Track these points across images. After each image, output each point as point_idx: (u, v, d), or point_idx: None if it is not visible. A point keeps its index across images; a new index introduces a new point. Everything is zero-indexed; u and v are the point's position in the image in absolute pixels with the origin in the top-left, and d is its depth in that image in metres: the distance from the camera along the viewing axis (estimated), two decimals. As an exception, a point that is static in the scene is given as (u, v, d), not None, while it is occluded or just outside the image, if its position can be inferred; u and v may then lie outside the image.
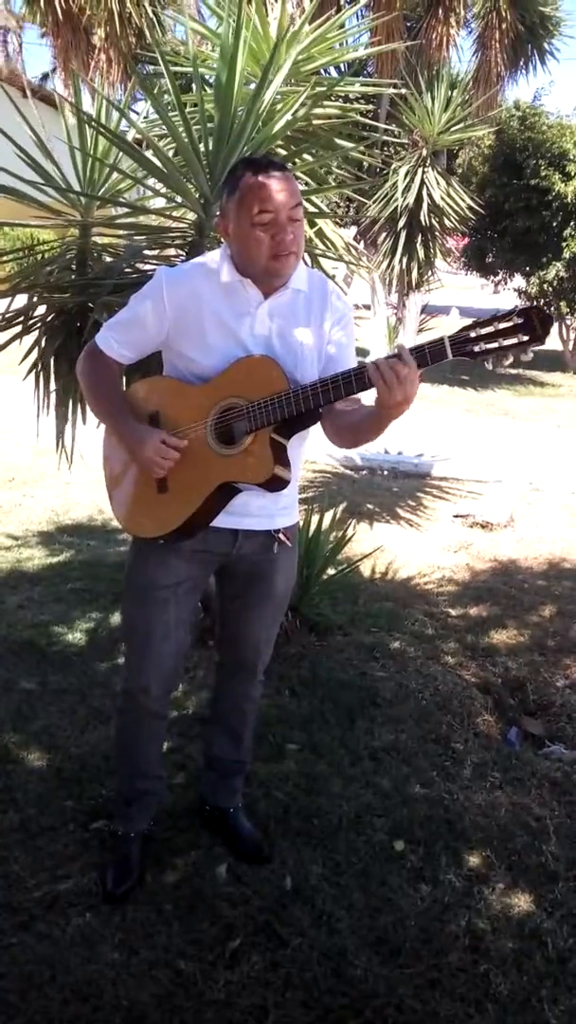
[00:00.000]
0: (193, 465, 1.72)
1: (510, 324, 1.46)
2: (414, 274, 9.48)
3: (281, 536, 1.86)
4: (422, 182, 8.68)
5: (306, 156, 2.92)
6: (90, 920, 1.91)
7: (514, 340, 1.45)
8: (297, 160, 2.86)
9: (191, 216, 2.71)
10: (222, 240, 1.75)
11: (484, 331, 1.46)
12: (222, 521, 1.77)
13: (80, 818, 2.23)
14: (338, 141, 2.93)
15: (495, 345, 1.46)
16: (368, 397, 1.64)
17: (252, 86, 2.69)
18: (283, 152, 2.80)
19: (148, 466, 1.72)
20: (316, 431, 1.79)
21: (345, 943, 1.89)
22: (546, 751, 2.72)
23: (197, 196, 2.37)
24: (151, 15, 7.23)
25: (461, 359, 1.50)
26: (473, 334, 1.48)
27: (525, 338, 1.45)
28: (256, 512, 1.80)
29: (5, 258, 3.22)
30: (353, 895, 2.03)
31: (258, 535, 1.83)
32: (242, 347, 1.71)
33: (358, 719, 2.77)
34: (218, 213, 1.78)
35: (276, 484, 1.69)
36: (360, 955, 1.86)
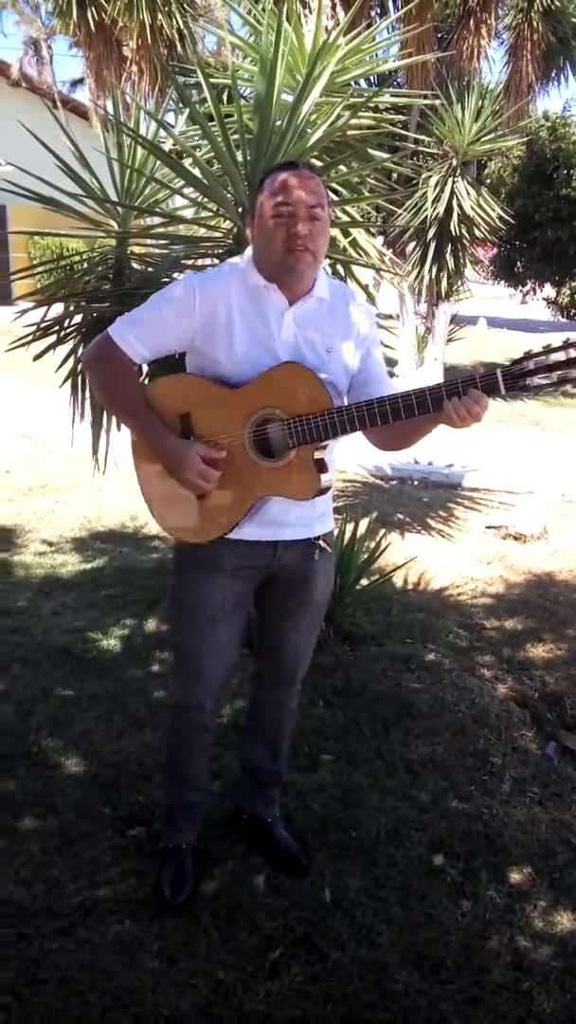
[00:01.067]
0: (233, 474, 1.71)
1: (564, 357, 1.43)
2: (443, 284, 9.49)
3: (321, 543, 1.85)
4: (452, 192, 8.70)
5: (341, 167, 2.94)
6: (129, 927, 1.91)
7: (569, 372, 1.43)
8: (332, 172, 2.88)
9: (226, 225, 2.73)
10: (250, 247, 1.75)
11: (537, 363, 1.44)
12: (262, 534, 1.77)
13: (118, 824, 2.23)
14: (372, 152, 2.93)
15: (548, 381, 1.44)
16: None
17: (287, 97, 2.72)
18: (318, 163, 2.81)
19: (191, 487, 1.71)
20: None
21: (386, 957, 1.87)
22: (585, 766, 2.68)
23: (235, 205, 2.38)
24: (182, 26, 7.33)
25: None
26: (528, 367, 1.46)
27: None
28: (294, 522, 1.80)
29: (39, 268, 3.26)
30: (393, 909, 2.01)
31: (298, 544, 1.83)
32: (270, 352, 1.70)
33: (393, 730, 2.75)
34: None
35: (320, 495, 1.69)
36: (401, 970, 1.84)
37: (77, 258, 3.16)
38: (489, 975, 1.85)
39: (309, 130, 2.52)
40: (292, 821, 2.27)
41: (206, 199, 2.40)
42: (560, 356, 1.43)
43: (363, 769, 2.53)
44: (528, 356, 1.46)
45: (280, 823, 2.20)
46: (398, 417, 1.59)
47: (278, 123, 2.38)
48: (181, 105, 2.97)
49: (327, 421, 1.61)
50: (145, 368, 2.50)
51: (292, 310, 1.71)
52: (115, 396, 1.79)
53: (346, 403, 1.70)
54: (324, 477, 1.67)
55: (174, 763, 2.05)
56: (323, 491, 1.68)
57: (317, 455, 1.67)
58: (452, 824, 2.31)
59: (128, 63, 7.69)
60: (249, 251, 1.74)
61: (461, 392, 1.54)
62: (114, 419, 2.98)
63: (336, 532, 2.38)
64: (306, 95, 2.29)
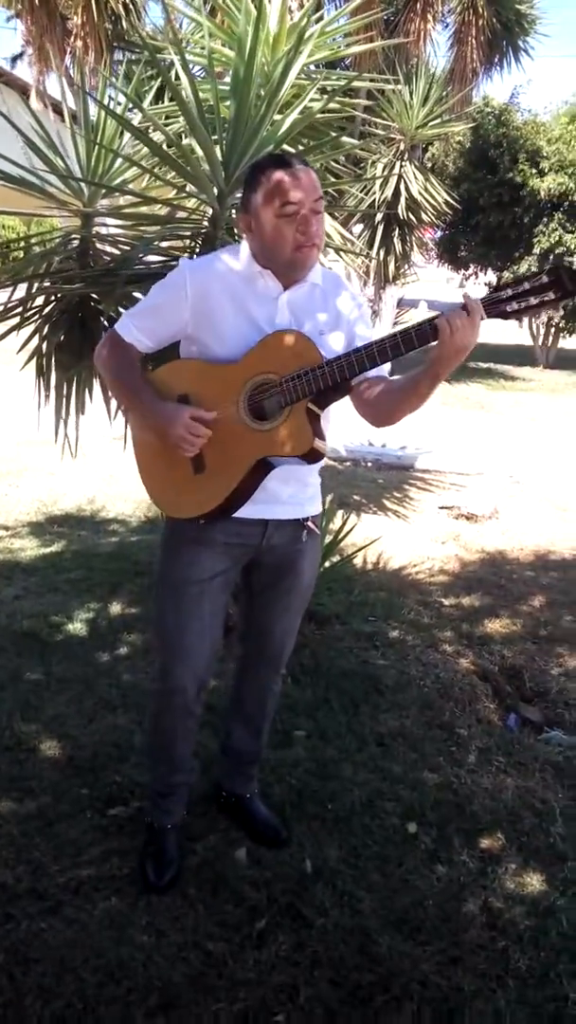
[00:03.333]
0: (229, 443, 1.72)
1: (539, 283, 1.50)
2: (391, 267, 9.57)
3: (310, 524, 1.89)
4: (400, 176, 8.76)
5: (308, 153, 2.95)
6: (116, 904, 1.93)
7: (544, 297, 1.50)
8: (307, 158, 2.89)
9: (191, 204, 2.71)
10: (241, 235, 1.76)
11: (515, 291, 1.51)
12: (253, 512, 1.78)
13: (97, 805, 2.24)
14: (345, 139, 2.95)
15: (526, 304, 1.51)
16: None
17: (258, 79, 2.71)
18: (290, 148, 2.82)
19: (179, 443, 1.71)
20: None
21: (368, 922, 1.93)
22: (546, 736, 2.80)
23: (212, 186, 2.38)
24: (127, 1, 7.17)
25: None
26: (504, 294, 1.52)
27: (556, 295, 1.49)
28: (287, 500, 1.82)
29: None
30: (372, 876, 2.07)
31: (288, 524, 1.86)
32: (262, 335, 1.71)
33: (362, 706, 2.82)
34: (235, 209, 1.79)
35: (314, 456, 1.69)
36: (383, 934, 1.91)
37: (37, 239, 3.10)
38: (466, 935, 1.93)
39: (278, 116, 2.52)
40: (269, 796, 2.31)
41: (181, 179, 2.38)
42: (536, 282, 1.51)
43: (335, 744, 2.59)
44: (504, 284, 1.54)
45: (258, 798, 2.25)
46: (385, 358, 1.60)
47: (257, 103, 2.36)
48: (155, 82, 2.92)
49: (314, 372, 1.63)
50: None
51: (286, 295, 1.73)
52: (116, 380, 1.81)
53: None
54: (319, 441, 1.69)
55: (158, 747, 2.06)
56: (317, 451, 1.68)
57: (310, 407, 1.67)
58: (423, 793, 2.39)
59: (72, 37, 7.48)
60: (245, 243, 1.74)
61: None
62: (75, 403, 2.98)
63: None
64: (285, 74, 2.29)
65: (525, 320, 14.58)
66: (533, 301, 1.52)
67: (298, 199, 1.62)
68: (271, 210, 1.64)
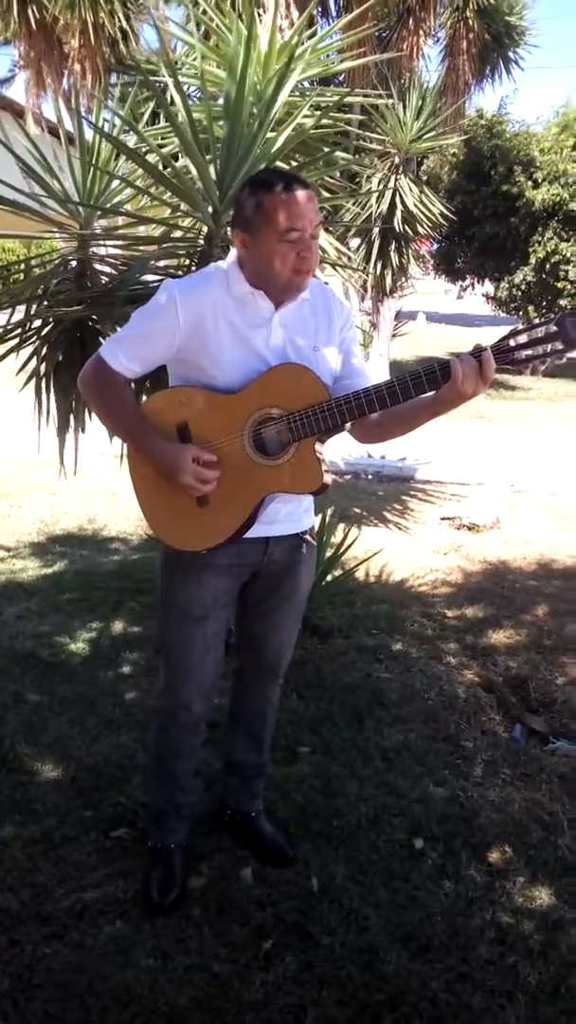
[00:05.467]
0: (234, 477, 1.71)
1: (548, 331, 1.51)
2: (388, 280, 9.61)
3: (307, 537, 1.89)
4: (395, 189, 8.81)
5: (303, 169, 2.97)
6: (121, 928, 1.91)
7: (554, 345, 1.51)
8: (302, 174, 2.91)
9: (186, 223, 2.72)
10: (233, 250, 1.75)
11: (523, 339, 1.51)
12: (253, 532, 1.77)
13: (100, 826, 2.23)
14: (339, 155, 2.97)
15: (535, 352, 1.52)
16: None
17: (250, 99, 2.73)
18: (283, 165, 2.84)
19: (188, 491, 1.70)
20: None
21: (375, 940, 1.91)
22: (551, 747, 2.78)
23: (207, 206, 2.39)
24: (124, 24, 7.26)
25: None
26: (513, 343, 1.53)
27: (563, 345, 1.50)
28: (284, 518, 1.82)
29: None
30: (378, 893, 2.06)
31: (286, 539, 1.86)
32: (259, 358, 1.71)
33: (367, 720, 2.80)
34: (230, 225, 1.78)
35: (324, 490, 1.71)
36: (391, 951, 1.89)
37: (36, 261, 3.12)
38: (475, 952, 1.91)
39: (272, 133, 2.54)
40: (274, 813, 2.30)
41: (176, 198, 2.39)
42: (543, 331, 1.52)
43: (340, 759, 2.58)
44: (514, 332, 1.56)
45: (264, 816, 2.23)
46: (395, 400, 1.62)
47: (251, 121, 2.38)
48: (150, 104, 2.95)
49: (325, 411, 1.64)
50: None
51: (278, 314, 1.72)
52: (109, 412, 1.79)
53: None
54: (327, 475, 1.71)
55: (162, 765, 2.05)
56: (327, 484, 1.70)
57: (318, 448, 1.69)
58: (429, 808, 2.37)
59: (70, 61, 7.56)
60: (232, 257, 1.73)
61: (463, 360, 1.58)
62: (74, 423, 2.99)
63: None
64: (277, 93, 2.30)
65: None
66: (541, 350, 1.54)
67: (302, 225, 1.61)
68: (273, 233, 1.61)
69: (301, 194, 1.61)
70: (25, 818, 2.25)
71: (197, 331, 1.68)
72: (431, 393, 1.62)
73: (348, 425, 1.73)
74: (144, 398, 2.58)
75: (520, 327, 1.56)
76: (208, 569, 1.82)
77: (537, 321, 1.56)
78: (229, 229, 2.65)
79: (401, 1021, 1.72)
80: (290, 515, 1.83)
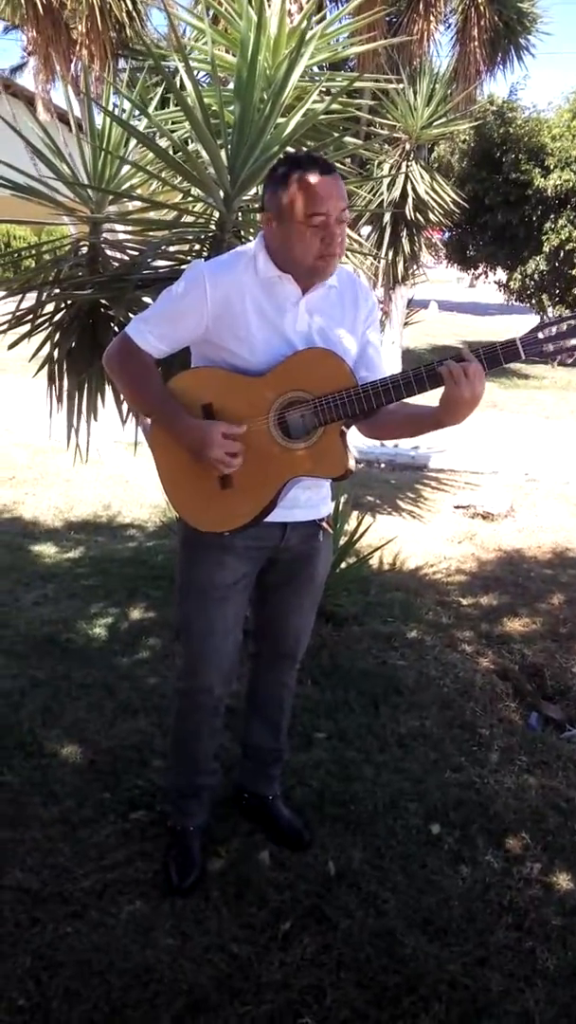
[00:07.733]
0: (259, 460, 1.71)
1: (566, 327, 1.51)
2: (400, 268, 9.56)
3: (324, 524, 1.89)
4: (406, 176, 8.75)
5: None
6: (141, 907, 1.93)
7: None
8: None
9: (198, 207, 2.71)
10: (249, 237, 1.75)
11: (552, 331, 1.51)
12: (273, 516, 1.77)
13: (119, 808, 2.25)
14: (347, 140, 2.96)
15: (563, 344, 1.51)
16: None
17: (260, 83, 2.72)
18: (292, 150, 2.82)
19: (215, 466, 1.70)
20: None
21: (393, 924, 1.92)
22: (568, 734, 2.78)
23: (218, 190, 2.38)
24: (131, 8, 7.23)
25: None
26: (542, 335, 1.52)
27: None
28: (304, 504, 1.83)
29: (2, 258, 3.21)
30: (396, 877, 2.06)
31: (304, 525, 1.86)
32: (285, 341, 1.71)
33: (382, 707, 2.81)
34: (242, 211, 1.78)
35: (348, 475, 1.72)
36: (409, 935, 1.89)
37: (48, 246, 3.12)
38: (493, 936, 1.91)
39: (282, 119, 2.52)
40: (291, 798, 2.30)
41: (187, 183, 2.39)
42: (564, 327, 1.52)
43: (356, 745, 2.58)
44: (543, 325, 1.57)
45: (281, 800, 2.24)
46: (422, 388, 1.63)
47: (261, 105, 2.37)
48: (159, 89, 2.94)
49: (355, 397, 1.65)
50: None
51: (305, 299, 1.71)
52: (139, 389, 1.79)
53: None
54: (352, 461, 1.71)
55: (183, 747, 2.06)
56: (351, 470, 1.71)
57: (343, 430, 1.70)
58: (446, 794, 2.37)
59: (77, 46, 7.54)
60: (260, 239, 1.72)
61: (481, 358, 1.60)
62: (86, 408, 2.99)
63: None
64: (288, 79, 2.29)
65: (538, 317, 14.54)
66: (571, 342, 1.54)
67: (327, 209, 1.60)
68: (299, 215, 1.60)
69: (328, 178, 1.60)
70: (44, 800, 2.27)
71: (225, 312, 1.68)
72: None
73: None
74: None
75: (548, 320, 1.57)
76: (227, 552, 1.82)
77: (567, 314, 1.59)
78: (240, 214, 2.65)
79: (419, 1004, 1.73)
80: (309, 500, 1.83)
